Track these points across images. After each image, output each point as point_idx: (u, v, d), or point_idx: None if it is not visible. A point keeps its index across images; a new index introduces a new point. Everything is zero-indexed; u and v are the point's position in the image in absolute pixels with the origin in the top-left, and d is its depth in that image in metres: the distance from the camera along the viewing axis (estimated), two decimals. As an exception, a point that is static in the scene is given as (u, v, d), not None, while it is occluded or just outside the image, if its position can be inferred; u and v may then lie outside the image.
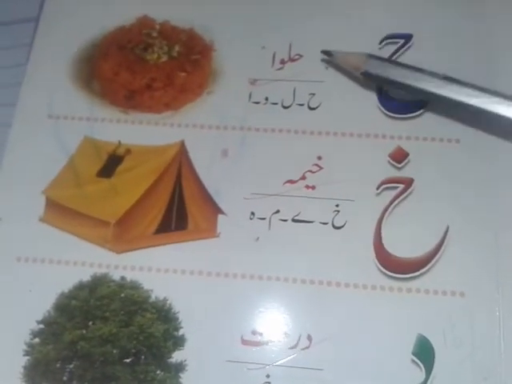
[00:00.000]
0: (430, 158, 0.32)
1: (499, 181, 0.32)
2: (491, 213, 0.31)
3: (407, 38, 0.35)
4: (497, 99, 0.31)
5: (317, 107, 0.34)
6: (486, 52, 0.34)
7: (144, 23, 0.37)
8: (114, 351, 0.30)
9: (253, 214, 0.32)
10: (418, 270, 0.30)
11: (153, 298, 0.31)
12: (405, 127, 0.33)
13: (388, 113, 0.33)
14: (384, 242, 0.31)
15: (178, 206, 0.32)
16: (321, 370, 0.29)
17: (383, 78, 0.33)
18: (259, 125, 0.34)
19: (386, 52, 0.35)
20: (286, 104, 0.34)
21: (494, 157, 0.32)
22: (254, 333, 0.30)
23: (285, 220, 0.32)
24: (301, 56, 0.35)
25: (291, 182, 0.33)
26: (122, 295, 0.31)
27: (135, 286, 0.31)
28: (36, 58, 0.37)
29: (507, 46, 0.34)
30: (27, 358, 0.30)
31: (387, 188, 0.32)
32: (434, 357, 0.29)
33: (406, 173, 0.32)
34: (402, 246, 0.31)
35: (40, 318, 0.30)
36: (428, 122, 0.33)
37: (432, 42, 0.35)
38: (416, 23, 0.35)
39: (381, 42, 0.35)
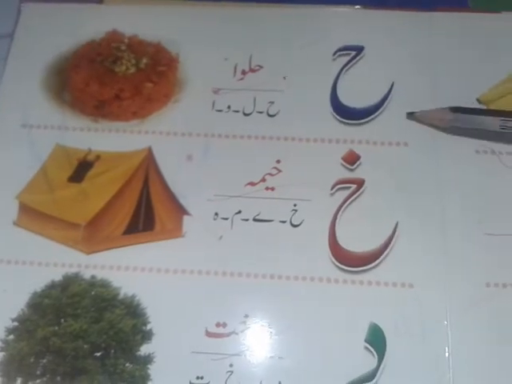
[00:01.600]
0: (380, 160, 0.35)
1: (443, 179, 0.34)
2: (437, 209, 0.33)
3: (359, 50, 0.37)
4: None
5: (275, 114, 0.36)
6: (429, 64, 0.37)
7: (113, 38, 0.39)
8: (85, 346, 0.31)
9: (216, 214, 0.34)
10: (370, 264, 0.32)
11: (122, 295, 0.32)
12: (356, 132, 0.35)
13: (341, 119, 0.36)
14: (338, 237, 0.33)
15: (146, 208, 0.34)
16: (282, 358, 0.31)
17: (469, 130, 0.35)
18: (222, 131, 0.36)
19: (338, 63, 0.37)
20: (247, 112, 0.36)
21: (438, 158, 0.34)
22: (217, 325, 0.31)
23: (246, 219, 0.34)
24: (261, 67, 0.37)
25: (252, 184, 0.35)
26: (93, 293, 0.32)
27: (105, 284, 0.32)
28: (10, 72, 0.38)
29: (448, 60, 0.37)
30: (2, 353, 0.31)
31: (341, 188, 0.34)
32: (385, 344, 0.31)
33: (357, 174, 0.34)
34: (354, 242, 0.33)
35: (14, 316, 0.32)
36: (378, 127, 0.35)
37: (382, 54, 0.37)
38: (367, 36, 0.38)
39: (334, 54, 0.37)
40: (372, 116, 0.36)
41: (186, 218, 0.34)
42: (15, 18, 0.40)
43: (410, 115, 0.35)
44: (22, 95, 0.37)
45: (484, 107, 0.36)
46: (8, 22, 0.40)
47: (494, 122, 0.34)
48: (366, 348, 0.31)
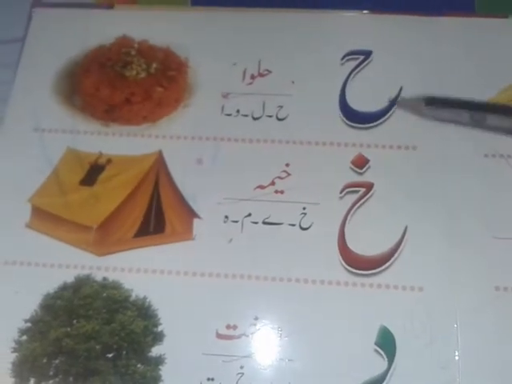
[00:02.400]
0: (389, 163, 0.35)
1: (452, 183, 0.34)
2: (445, 213, 0.34)
3: (367, 54, 0.38)
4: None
5: (284, 118, 0.37)
6: (436, 69, 0.37)
7: (123, 43, 0.39)
8: (97, 347, 0.31)
9: (226, 217, 0.34)
10: (380, 267, 0.33)
11: (133, 297, 0.33)
12: (365, 136, 0.36)
13: (350, 123, 0.36)
14: (347, 241, 0.33)
15: (156, 211, 0.35)
16: (291, 360, 0.31)
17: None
18: (231, 135, 0.36)
19: (347, 67, 0.37)
20: (256, 116, 0.37)
21: (446, 161, 0.35)
22: (228, 327, 0.32)
23: (256, 222, 0.34)
24: (269, 71, 0.38)
25: (261, 187, 0.35)
26: (104, 295, 0.33)
27: (116, 286, 0.33)
28: (22, 76, 0.39)
29: (455, 64, 0.37)
30: (16, 354, 0.31)
31: (350, 192, 0.34)
32: (395, 347, 0.31)
33: (366, 178, 0.35)
34: (364, 245, 0.33)
35: (27, 317, 0.32)
36: (387, 130, 0.36)
37: (389, 58, 0.38)
38: (375, 41, 0.38)
39: (342, 58, 0.38)
40: (380, 120, 0.36)
41: (196, 220, 0.34)
42: (26, 23, 0.41)
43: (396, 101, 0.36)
44: (34, 99, 0.38)
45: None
46: (19, 26, 0.41)
47: (463, 114, 0.35)
48: (376, 351, 0.31)
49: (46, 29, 0.40)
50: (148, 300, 0.32)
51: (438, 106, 0.35)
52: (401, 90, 0.37)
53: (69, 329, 0.32)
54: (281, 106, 0.37)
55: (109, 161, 0.36)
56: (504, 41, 0.38)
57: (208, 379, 0.31)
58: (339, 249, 0.33)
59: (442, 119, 0.35)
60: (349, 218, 0.34)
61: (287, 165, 0.35)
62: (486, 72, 0.37)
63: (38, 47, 0.40)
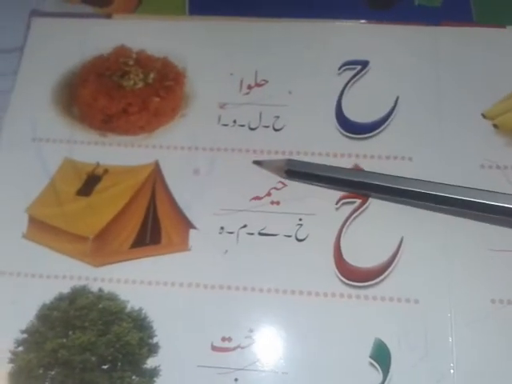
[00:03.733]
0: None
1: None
2: (441, 224, 0.33)
3: (364, 64, 0.38)
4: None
5: (281, 129, 0.37)
6: (434, 79, 0.37)
7: (121, 52, 0.39)
8: (93, 358, 0.31)
9: (222, 228, 0.34)
10: (375, 279, 0.33)
11: (129, 308, 0.33)
12: (361, 146, 0.36)
13: (346, 133, 0.36)
14: (343, 252, 0.33)
15: (153, 221, 0.35)
16: (286, 373, 0.31)
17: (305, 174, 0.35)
18: (228, 145, 0.36)
19: (343, 77, 0.37)
20: (252, 126, 0.37)
21: (442, 173, 0.35)
22: (223, 339, 0.32)
23: (252, 234, 0.34)
24: (266, 81, 0.38)
25: (257, 198, 0.35)
26: (100, 306, 0.33)
27: (112, 297, 0.33)
28: (20, 86, 0.39)
29: (453, 74, 0.37)
30: (11, 365, 0.32)
31: (345, 203, 0.34)
32: (390, 360, 0.31)
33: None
34: (359, 257, 0.33)
35: (24, 327, 0.32)
36: (383, 141, 0.36)
37: (386, 68, 0.38)
38: (372, 50, 0.38)
39: (340, 68, 0.38)
40: (377, 130, 0.36)
41: (192, 231, 0.34)
42: (25, 33, 0.41)
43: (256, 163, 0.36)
44: (32, 109, 0.38)
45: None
46: (18, 36, 0.41)
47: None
48: (371, 364, 0.31)
49: (45, 38, 0.40)
50: (143, 311, 0.33)
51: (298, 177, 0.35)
52: (397, 99, 0.37)
53: (65, 340, 0.32)
54: (277, 117, 0.37)
55: (105, 171, 0.36)
56: (502, 51, 0.38)
57: (203, 391, 0.31)
58: (335, 260, 0.33)
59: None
60: (344, 229, 0.34)
61: (284, 175, 0.35)
62: (484, 83, 0.37)
63: (37, 57, 0.40)
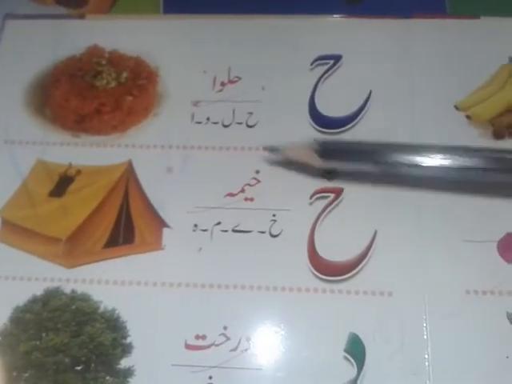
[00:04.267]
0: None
1: (422, 186, 0.34)
2: (415, 217, 0.33)
3: (336, 58, 0.37)
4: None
5: (254, 125, 0.36)
6: (407, 72, 0.37)
7: (94, 52, 0.39)
8: (66, 360, 0.31)
9: (196, 226, 0.34)
10: (349, 273, 0.32)
11: (102, 309, 0.32)
12: (335, 141, 0.35)
13: (319, 128, 0.36)
14: (317, 247, 0.33)
15: (126, 221, 0.34)
16: (259, 369, 0.31)
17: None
18: (201, 143, 0.36)
19: (316, 72, 0.37)
20: (226, 123, 0.37)
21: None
22: (196, 338, 0.32)
23: (225, 231, 0.34)
24: (239, 78, 0.38)
25: (231, 195, 0.35)
26: (73, 307, 0.32)
27: (85, 298, 0.33)
28: (-7, 88, 0.39)
29: (426, 67, 0.37)
30: (-16, 368, 0.31)
31: (319, 197, 0.34)
32: (364, 353, 0.31)
33: (336, 183, 0.34)
34: (333, 251, 0.33)
35: (-4, 330, 0.32)
36: (356, 135, 0.35)
37: (359, 62, 0.37)
38: (345, 45, 0.38)
39: (312, 63, 0.37)
40: (350, 124, 0.36)
41: (165, 230, 0.34)
42: (-1, 36, 0.41)
43: (271, 150, 0.34)
44: (4, 111, 0.38)
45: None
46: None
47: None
48: (346, 358, 0.31)
49: (19, 40, 0.40)
50: (117, 312, 0.32)
51: (333, 157, 0.32)
52: (370, 93, 0.36)
53: (38, 342, 0.32)
54: (251, 113, 0.37)
55: (78, 172, 0.36)
56: (476, 42, 0.38)
57: (177, 390, 0.31)
58: (309, 255, 0.33)
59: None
60: (318, 223, 0.33)
61: (257, 172, 0.35)
62: (458, 74, 0.37)
63: (10, 59, 0.40)
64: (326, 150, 0.32)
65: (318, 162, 0.33)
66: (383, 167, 0.32)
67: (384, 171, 0.33)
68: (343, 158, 0.32)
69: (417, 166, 0.32)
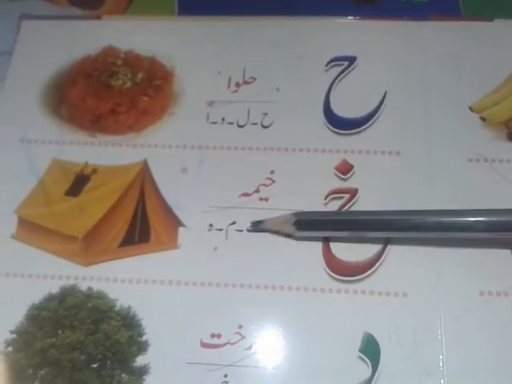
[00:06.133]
0: (373, 169, 0.35)
1: (436, 188, 0.34)
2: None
3: (351, 60, 0.38)
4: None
5: (269, 125, 0.37)
6: (421, 73, 0.37)
7: (109, 53, 0.39)
8: (82, 357, 0.31)
9: (211, 225, 0.34)
10: (364, 273, 0.32)
11: (118, 307, 0.33)
12: (349, 142, 0.36)
13: (334, 129, 0.36)
14: (332, 247, 0.33)
15: (141, 220, 0.35)
16: (276, 368, 0.31)
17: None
18: (216, 143, 0.36)
19: (331, 74, 0.37)
20: (241, 123, 0.37)
21: (430, 166, 0.35)
22: (212, 336, 0.32)
23: (240, 230, 0.34)
24: (254, 79, 0.38)
25: (246, 194, 0.35)
26: (89, 305, 0.33)
27: (101, 296, 0.33)
28: (10, 88, 0.39)
29: (440, 68, 0.37)
30: (1, 365, 0.31)
31: (334, 198, 0.34)
32: (379, 353, 0.31)
33: (351, 183, 0.35)
34: (348, 251, 0.33)
35: (13, 328, 0.32)
36: (370, 136, 0.36)
37: (374, 64, 0.38)
38: (360, 46, 0.38)
39: (327, 65, 0.38)
40: (365, 126, 0.36)
41: (181, 229, 0.34)
42: (14, 36, 0.41)
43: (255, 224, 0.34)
44: (21, 111, 0.38)
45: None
46: (8, 39, 0.41)
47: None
48: (360, 358, 0.31)
49: (34, 41, 0.41)
50: (133, 310, 0.32)
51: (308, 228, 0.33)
52: (385, 95, 0.37)
53: (54, 339, 0.32)
54: (265, 114, 0.37)
55: (94, 171, 0.36)
56: (490, 44, 0.38)
57: (192, 388, 0.31)
58: (323, 255, 0.33)
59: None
60: (333, 224, 0.34)
61: (272, 172, 0.35)
62: (472, 76, 0.37)
63: (26, 59, 0.40)
64: (301, 221, 0.33)
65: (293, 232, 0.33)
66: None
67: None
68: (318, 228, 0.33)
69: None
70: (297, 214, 0.33)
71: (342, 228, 0.33)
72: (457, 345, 0.31)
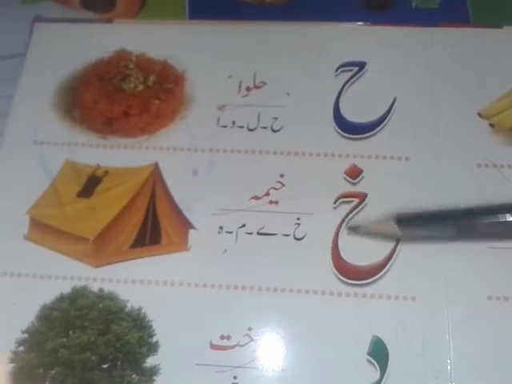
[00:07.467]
0: (382, 174, 0.35)
1: (445, 194, 0.34)
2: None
3: (361, 65, 0.38)
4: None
5: (279, 130, 0.37)
6: (430, 79, 0.38)
7: (121, 56, 0.40)
8: (93, 358, 0.32)
9: (221, 228, 0.35)
10: (373, 277, 0.33)
11: (128, 308, 0.33)
12: (359, 146, 0.36)
13: (343, 133, 0.36)
14: (341, 251, 0.33)
15: (152, 222, 0.35)
16: (284, 370, 0.31)
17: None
18: (227, 146, 0.37)
19: (341, 79, 0.38)
20: (251, 127, 0.37)
21: (439, 172, 0.35)
22: (221, 338, 0.32)
23: (250, 233, 0.34)
24: (264, 83, 0.38)
25: (256, 198, 0.35)
26: (100, 306, 0.33)
27: (112, 297, 0.33)
28: (22, 89, 0.39)
29: (449, 74, 0.38)
30: (12, 365, 0.32)
31: (343, 202, 0.35)
32: (387, 357, 0.31)
33: (360, 188, 0.35)
34: (357, 255, 0.33)
35: (24, 328, 0.33)
36: (380, 141, 0.36)
37: (384, 69, 0.38)
38: (369, 52, 0.38)
39: (336, 70, 0.38)
40: (374, 131, 0.36)
41: (191, 231, 0.35)
42: (27, 38, 0.41)
43: (352, 229, 0.34)
44: (34, 112, 0.38)
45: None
46: (21, 41, 0.41)
47: (448, 228, 0.33)
48: (369, 361, 0.31)
49: (47, 43, 0.41)
50: (143, 311, 0.33)
51: (413, 223, 0.32)
52: (394, 100, 0.37)
53: (65, 340, 0.32)
54: (275, 118, 0.37)
55: (106, 173, 0.36)
56: (499, 51, 0.38)
57: (202, 390, 0.31)
58: (333, 258, 0.33)
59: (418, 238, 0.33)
60: (342, 228, 0.34)
61: (282, 175, 0.36)
62: (480, 82, 0.37)
63: (39, 62, 0.40)
64: (401, 219, 0.32)
65: (394, 231, 0.33)
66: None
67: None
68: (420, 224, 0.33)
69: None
70: (397, 213, 0.32)
71: (446, 221, 0.32)
72: (465, 348, 0.31)
